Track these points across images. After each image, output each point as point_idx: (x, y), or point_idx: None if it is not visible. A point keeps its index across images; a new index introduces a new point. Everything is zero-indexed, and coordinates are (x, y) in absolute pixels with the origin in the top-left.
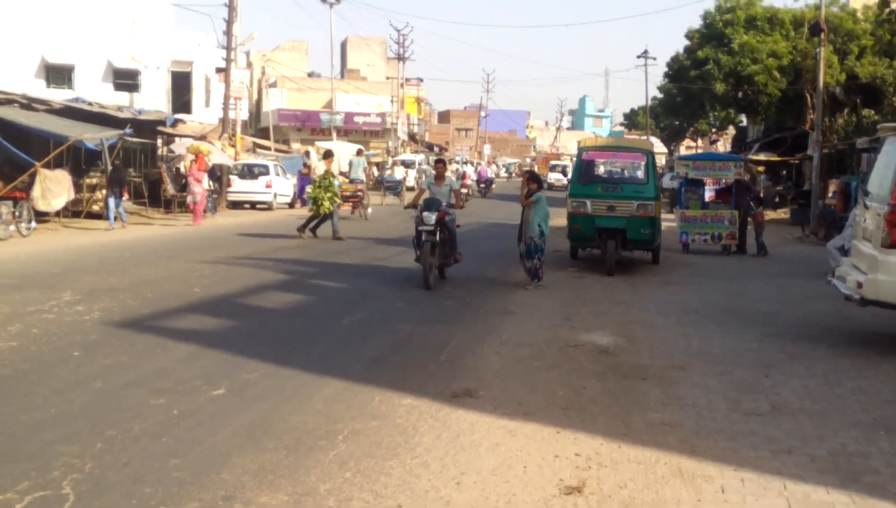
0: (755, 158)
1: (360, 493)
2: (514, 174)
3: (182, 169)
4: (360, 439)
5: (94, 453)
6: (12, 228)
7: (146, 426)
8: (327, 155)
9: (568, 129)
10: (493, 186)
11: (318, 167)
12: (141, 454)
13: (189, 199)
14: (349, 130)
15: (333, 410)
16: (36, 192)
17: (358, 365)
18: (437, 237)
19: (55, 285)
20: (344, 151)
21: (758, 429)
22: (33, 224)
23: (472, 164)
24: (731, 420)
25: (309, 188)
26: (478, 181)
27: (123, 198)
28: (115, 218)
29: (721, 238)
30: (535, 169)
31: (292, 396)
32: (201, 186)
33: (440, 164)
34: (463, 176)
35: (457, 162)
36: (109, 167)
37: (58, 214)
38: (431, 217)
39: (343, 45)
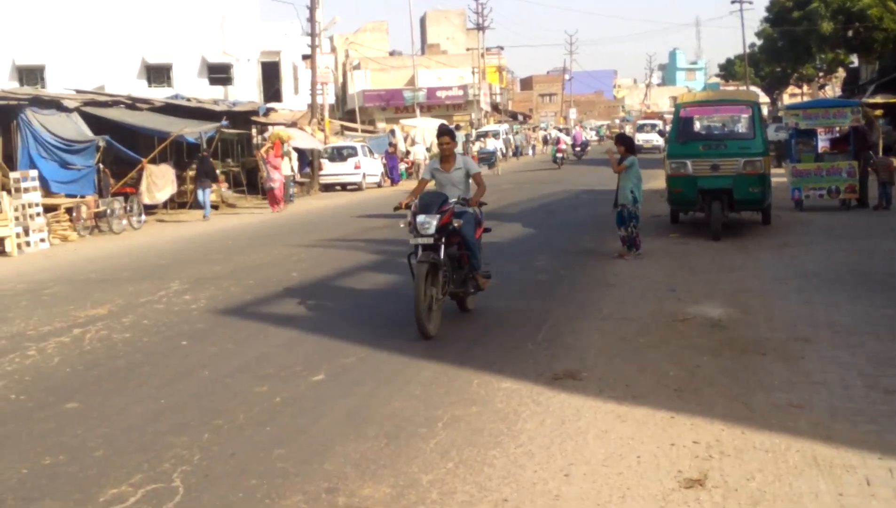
0: (871, 101)
1: (463, 485)
2: (605, 137)
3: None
4: (460, 426)
5: (202, 443)
6: (125, 222)
7: (251, 414)
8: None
9: (658, 85)
10: (589, 148)
11: (434, 144)
12: (246, 444)
13: (268, 186)
14: (432, 106)
15: (432, 395)
16: (143, 186)
17: (453, 346)
18: (441, 254)
19: (164, 276)
20: (428, 127)
21: None
22: (143, 217)
23: (560, 129)
24: (871, 400)
25: (402, 166)
26: (573, 145)
27: (211, 188)
28: (211, 208)
29: (839, 192)
30: (628, 131)
31: (390, 380)
32: (280, 173)
33: (445, 137)
34: (557, 141)
35: (542, 128)
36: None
37: (164, 205)
38: (430, 223)
39: (422, 21)
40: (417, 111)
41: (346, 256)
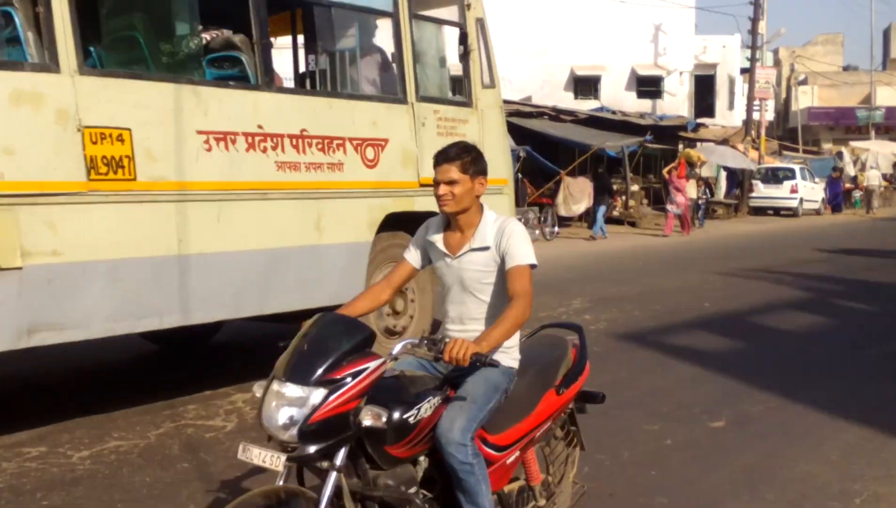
0: None
1: None
2: None
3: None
4: (881, 506)
5: (582, 478)
6: (538, 232)
7: (636, 454)
8: None
9: None
10: None
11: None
12: (627, 485)
13: (670, 208)
14: (890, 127)
15: (850, 463)
16: (560, 198)
17: (885, 410)
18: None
19: (567, 291)
20: (882, 152)
21: None
22: (556, 229)
23: None
24: None
25: (856, 194)
26: None
27: (608, 207)
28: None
29: None
30: None
31: (800, 439)
32: (683, 196)
33: (448, 165)
34: None
35: None
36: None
37: (579, 218)
38: (295, 414)
39: (885, 33)
40: (872, 133)
41: (768, 289)
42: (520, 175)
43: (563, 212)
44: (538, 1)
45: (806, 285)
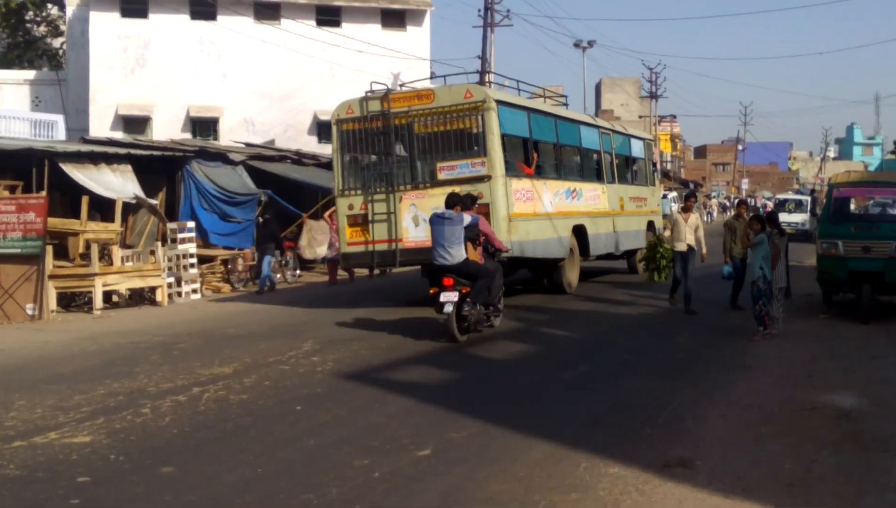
0: None
1: None
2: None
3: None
4: None
5: None
6: (278, 276)
7: (344, 489)
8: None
9: (834, 159)
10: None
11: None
12: None
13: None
14: None
15: (535, 477)
16: (304, 241)
17: (570, 426)
18: None
19: (300, 334)
20: None
21: None
22: (298, 272)
23: (737, 199)
24: None
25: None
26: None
27: (274, 257)
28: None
29: None
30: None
31: (496, 460)
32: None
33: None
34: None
35: (714, 196)
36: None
37: (323, 260)
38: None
39: (597, 87)
40: None
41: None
42: (260, 219)
43: (308, 255)
44: (280, 45)
45: (518, 316)
